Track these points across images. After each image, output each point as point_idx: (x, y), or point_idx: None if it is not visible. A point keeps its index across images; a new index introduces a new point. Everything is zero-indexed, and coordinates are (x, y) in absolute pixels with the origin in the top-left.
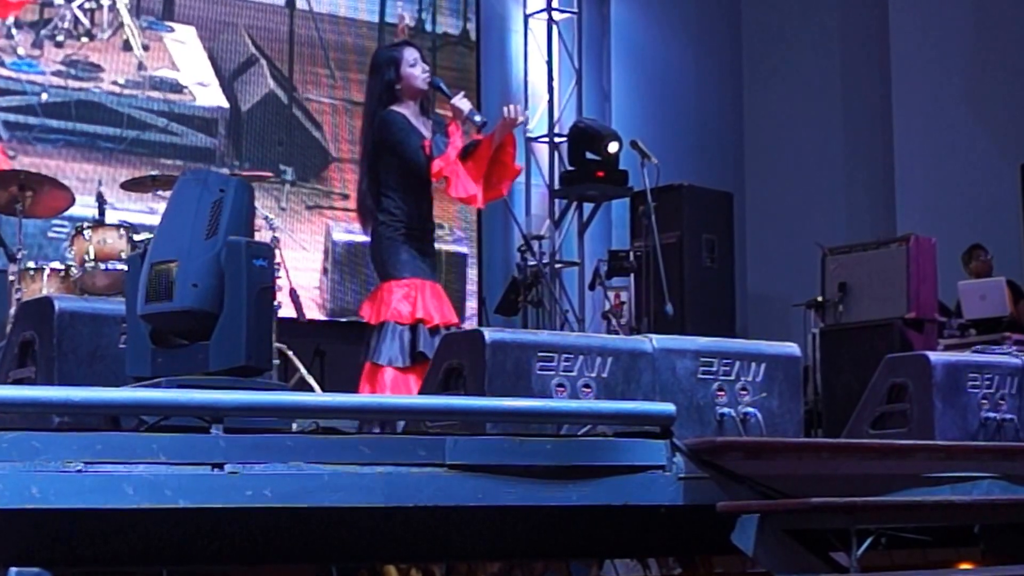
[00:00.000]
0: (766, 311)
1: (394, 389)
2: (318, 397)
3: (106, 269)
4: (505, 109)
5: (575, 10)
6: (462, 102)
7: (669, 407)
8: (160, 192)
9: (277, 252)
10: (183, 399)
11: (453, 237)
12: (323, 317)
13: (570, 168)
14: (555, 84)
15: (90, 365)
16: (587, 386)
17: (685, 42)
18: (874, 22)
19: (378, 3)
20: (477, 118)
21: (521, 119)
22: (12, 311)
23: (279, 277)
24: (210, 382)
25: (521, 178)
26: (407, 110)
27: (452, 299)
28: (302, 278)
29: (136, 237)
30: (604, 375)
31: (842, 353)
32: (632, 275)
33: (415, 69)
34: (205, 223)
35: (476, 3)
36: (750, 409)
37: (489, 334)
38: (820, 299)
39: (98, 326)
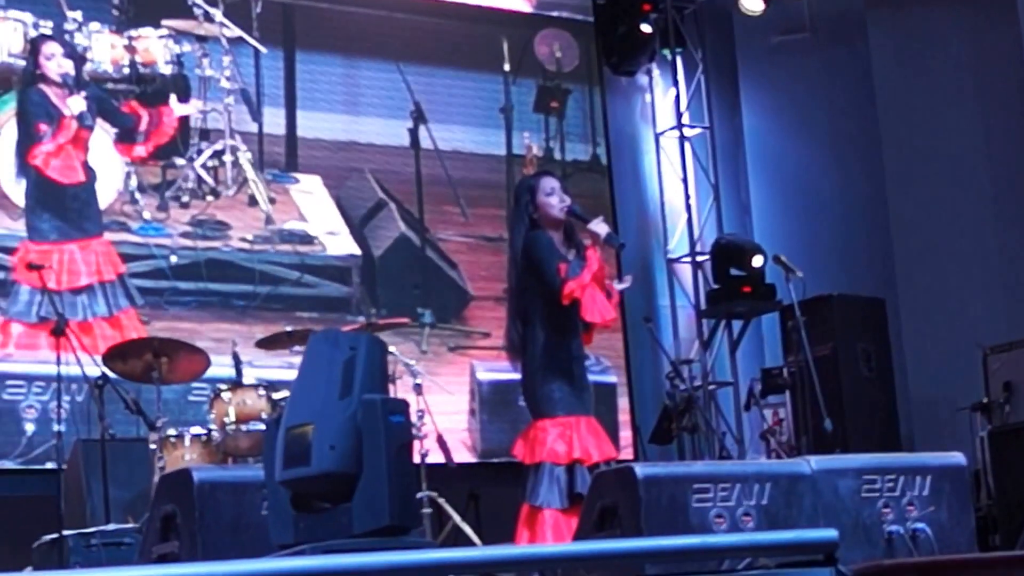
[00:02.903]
0: (930, 417)
1: (554, 532)
2: (467, 552)
3: (248, 431)
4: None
5: (707, 125)
6: (599, 226)
7: (831, 533)
8: (297, 348)
9: (420, 399)
10: (329, 565)
11: (600, 367)
12: (474, 459)
13: (715, 286)
14: (692, 202)
15: (234, 535)
16: (747, 515)
17: (822, 148)
18: (1018, 114)
19: (504, 136)
20: (615, 241)
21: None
22: (156, 480)
23: (423, 424)
24: (355, 545)
25: (666, 301)
26: (552, 237)
27: (606, 431)
28: (449, 421)
29: (275, 396)
30: (764, 502)
31: (1013, 455)
32: (788, 392)
33: (552, 198)
34: (338, 383)
35: (604, 127)
36: (919, 525)
37: (640, 470)
38: (985, 401)
39: (239, 495)
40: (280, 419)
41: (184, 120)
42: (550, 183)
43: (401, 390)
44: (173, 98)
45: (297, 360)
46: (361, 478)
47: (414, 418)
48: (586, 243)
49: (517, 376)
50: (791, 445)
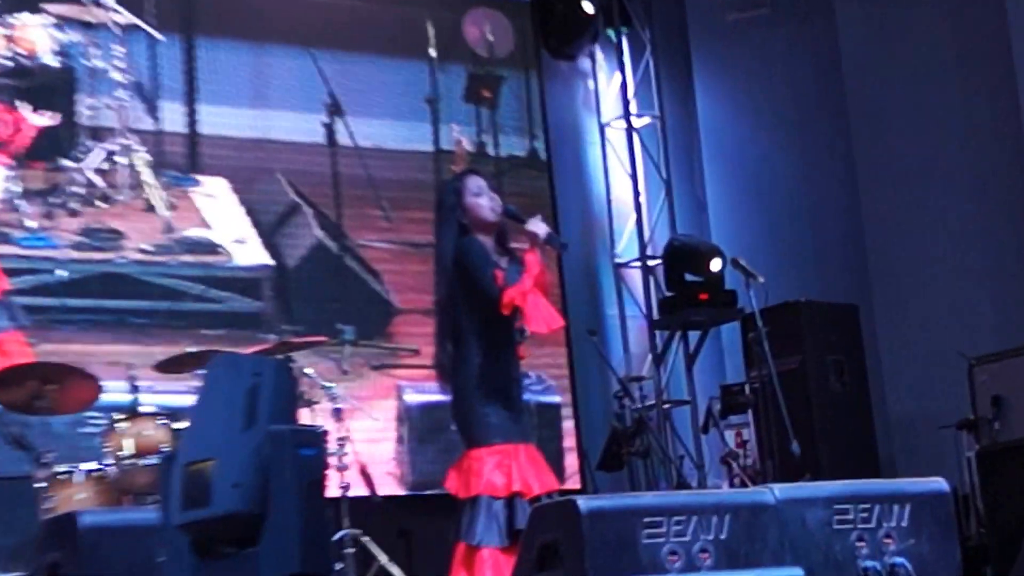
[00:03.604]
0: (911, 437)
1: (494, 573)
2: None
3: (147, 465)
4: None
5: (657, 114)
6: (538, 225)
7: (797, 572)
8: (201, 371)
9: (341, 425)
10: None
11: (542, 387)
12: (403, 492)
13: (669, 294)
14: (642, 199)
15: None
16: (704, 551)
17: (786, 138)
18: (1003, 97)
19: (430, 130)
20: (557, 241)
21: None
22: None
23: (345, 454)
24: None
25: (614, 310)
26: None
27: (549, 458)
28: (374, 450)
29: (177, 425)
30: (723, 536)
31: (1004, 477)
32: (751, 411)
33: (480, 199)
34: (241, 413)
35: (543, 118)
36: (898, 559)
37: (584, 503)
38: (972, 417)
39: (131, 540)
40: (176, 455)
41: (69, 117)
42: (476, 183)
43: (320, 416)
44: (26, 108)
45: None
46: (268, 519)
47: (334, 447)
48: (524, 247)
49: (447, 398)
50: (755, 470)
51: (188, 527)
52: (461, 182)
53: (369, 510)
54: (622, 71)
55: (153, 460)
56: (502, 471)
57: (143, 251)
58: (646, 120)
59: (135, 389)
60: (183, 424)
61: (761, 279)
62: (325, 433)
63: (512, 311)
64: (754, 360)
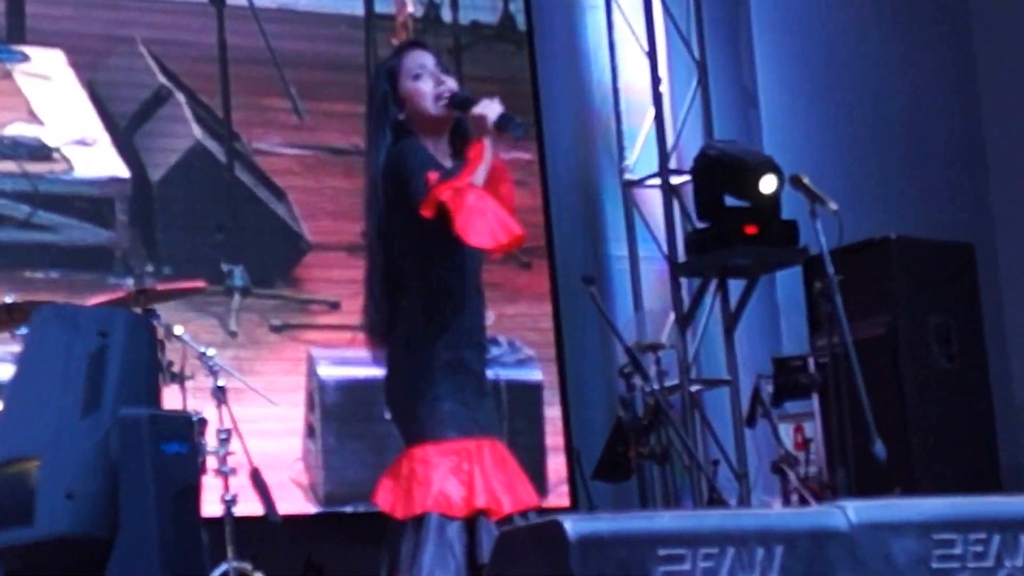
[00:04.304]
0: None
1: None
2: None
3: None
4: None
5: None
6: (488, 107)
7: None
8: (22, 331)
9: (224, 410)
10: None
11: (516, 357)
12: (314, 508)
13: (701, 225)
14: (664, 89)
15: None
16: None
17: (876, 9)
18: None
19: None
20: (512, 125)
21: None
22: None
23: (230, 452)
24: None
25: (622, 250)
26: (438, 150)
27: (525, 460)
28: (274, 447)
29: None
30: (773, 574)
31: None
32: (817, 396)
33: (421, 83)
34: (79, 391)
35: None
36: None
37: (574, 526)
38: None
39: None
40: None
41: None
42: (417, 60)
43: (195, 397)
44: None
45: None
46: (117, 544)
47: (214, 443)
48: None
49: (381, 373)
50: (821, 482)
51: (1, 553)
52: (397, 60)
53: (265, 534)
54: None
55: None
56: (459, 479)
57: None
58: None
59: None
60: None
61: (834, 206)
62: (201, 422)
63: (440, 219)
64: (822, 323)
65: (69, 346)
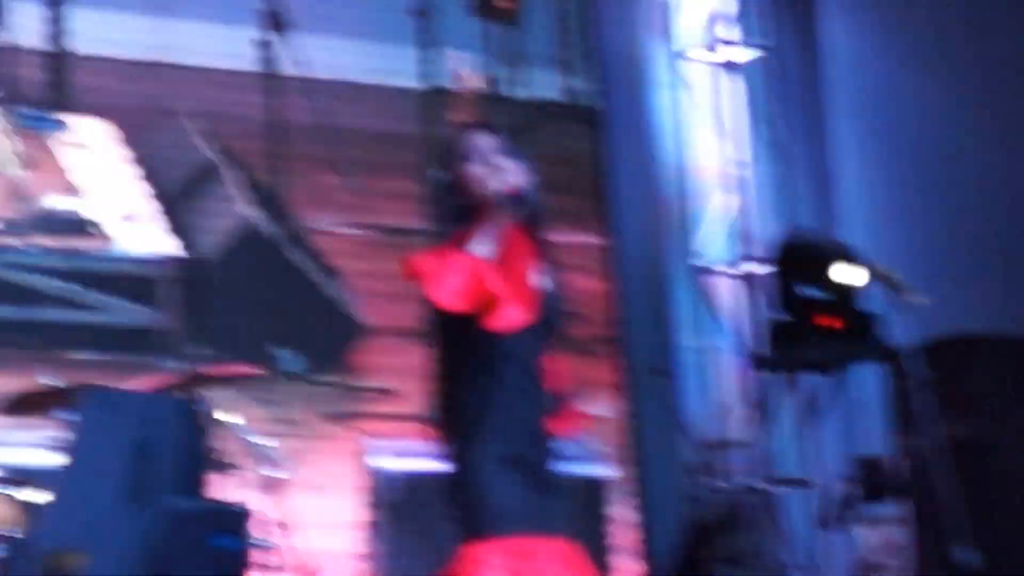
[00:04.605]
0: None
1: None
2: None
3: None
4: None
5: (763, 42)
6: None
7: None
8: (63, 415)
9: (275, 503)
10: None
11: (582, 452)
12: None
13: (777, 316)
14: (739, 172)
15: None
16: None
17: (962, 88)
18: None
19: (418, 57)
20: (519, 202)
21: None
22: None
23: (281, 548)
24: None
25: (693, 340)
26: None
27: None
28: (327, 542)
29: (23, 496)
30: None
31: None
32: (900, 499)
33: (478, 168)
34: (126, 480)
35: (589, 44)
36: None
37: None
38: None
39: None
40: (29, 540)
41: None
42: (476, 142)
43: (244, 488)
44: None
45: (63, 436)
46: None
47: (263, 536)
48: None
49: (440, 465)
50: None
51: None
52: (458, 142)
53: None
54: None
55: None
56: None
57: None
58: (748, 52)
59: None
60: (36, 496)
61: (919, 298)
62: (249, 514)
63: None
64: (909, 422)
65: (115, 433)
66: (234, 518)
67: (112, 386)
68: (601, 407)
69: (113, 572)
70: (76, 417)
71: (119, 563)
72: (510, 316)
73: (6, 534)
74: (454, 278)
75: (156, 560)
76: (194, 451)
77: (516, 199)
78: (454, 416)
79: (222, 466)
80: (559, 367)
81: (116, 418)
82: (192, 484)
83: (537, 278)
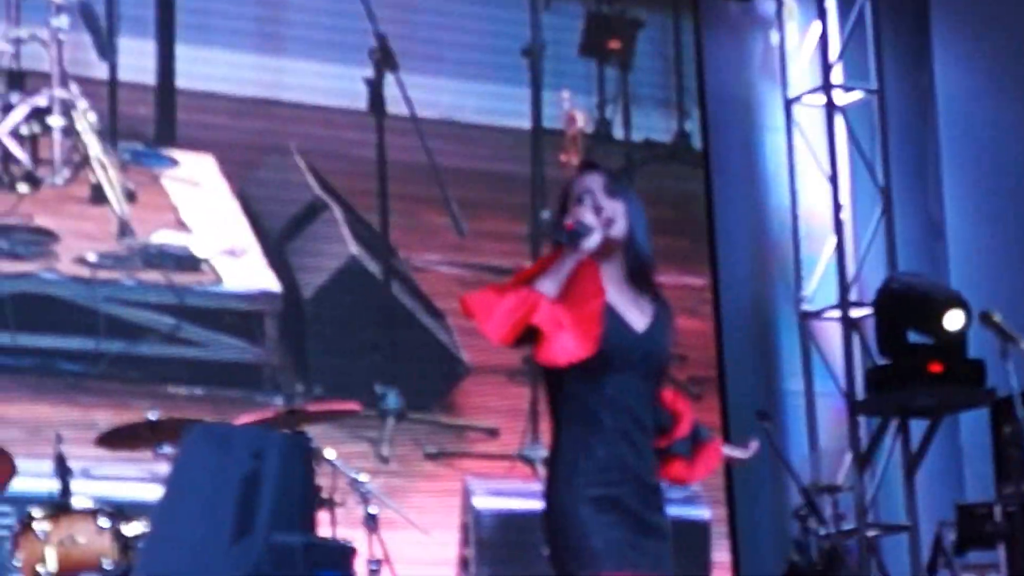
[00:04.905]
0: None
1: None
2: None
3: None
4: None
5: (873, 87)
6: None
7: None
8: (167, 449)
9: (375, 539)
10: None
11: (683, 495)
12: None
13: (882, 362)
14: (846, 216)
15: None
16: None
17: None
18: None
19: (528, 98)
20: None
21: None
22: None
23: None
24: None
25: (798, 384)
26: (606, 279)
27: None
28: None
29: (126, 529)
30: None
31: None
32: (1004, 545)
33: (581, 209)
34: (231, 515)
35: (700, 86)
36: None
37: None
38: None
39: None
40: (132, 572)
41: None
42: (585, 183)
43: (343, 524)
44: None
45: (167, 469)
46: None
47: (364, 573)
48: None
49: (540, 505)
50: None
51: None
52: (570, 183)
53: None
54: (823, 19)
55: None
56: None
57: (84, 263)
58: (857, 95)
59: (65, 472)
60: (139, 529)
61: None
62: (355, 551)
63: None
64: (1011, 469)
65: (221, 467)
66: (340, 554)
67: (220, 420)
68: None
69: None
70: (182, 450)
71: None
72: (567, 350)
73: (108, 568)
74: (501, 313)
75: None
76: (301, 487)
77: (573, 233)
78: (553, 457)
79: (323, 502)
80: (683, 406)
81: (224, 452)
82: (299, 520)
83: (637, 316)
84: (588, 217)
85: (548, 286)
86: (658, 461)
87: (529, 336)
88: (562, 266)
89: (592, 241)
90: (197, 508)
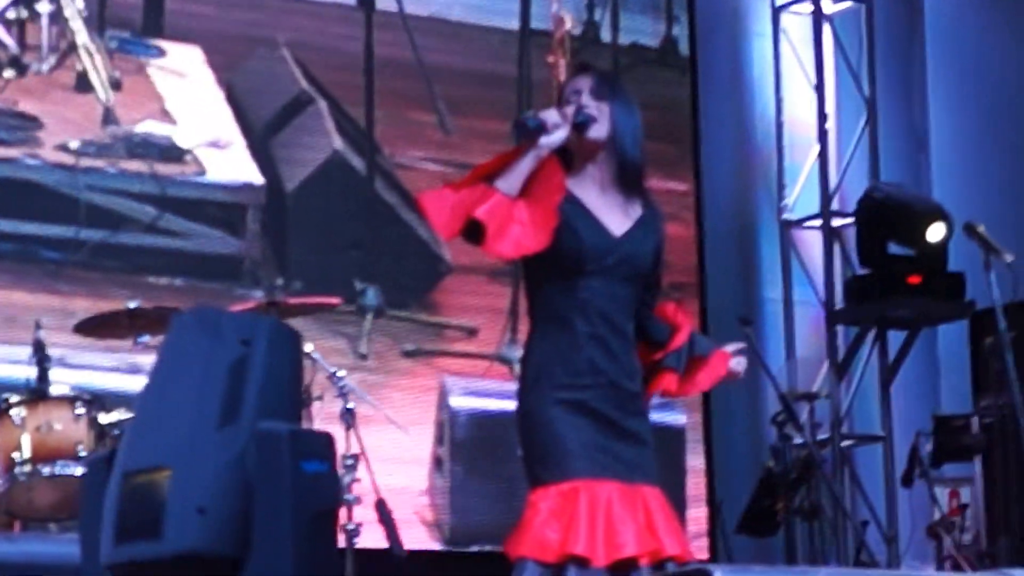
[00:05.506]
0: None
1: None
2: None
3: (54, 476)
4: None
5: None
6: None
7: None
8: (145, 337)
9: (351, 435)
10: None
11: (658, 400)
12: (438, 546)
13: (862, 271)
14: (830, 125)
15: None
16: None
17: None
18: None
19: None
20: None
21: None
22: None
23: (355, 480)
24: None
25: (777, 292)
26: (588, 180)
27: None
28: (400, 479)
29: (105, 418)
30: None
31: None
32: (979, 459)
33: (569, 109)
34: (217, 402)
35: None
36: None
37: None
38: None
39: None
40: (112, 458)
41: None
42: (575, 84)
43: (320, 418)
44: None
45: (145, 359)
46: (248, 565)
47: (340, 469)
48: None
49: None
50: (980, 550)
51: (125, 568)
52: (564, 84)
53: (387, 569)
54: None
55: (63, 469)
56: (559, 520)
57: (67, 150)
58: (845, 4)
59: (42, 359)
60: (115, 416)
61: (1009, 257)
62: (335, 443)
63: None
64: (990, 381)
65: (210, 353)
66: (325, 444)
67: (210, 304)
68: None
69: (200, 492)
70: (172, 333)
71: (208, 484)
72: (518, 242)
73: (87, 456)
74: (450, 206)
75: (245, 482)
76: (289, 376)
77: (528, 127)
78: (525, 359)
79: (307, 397)
80: (683, 319)
81: (212, 339)
82: (285, 409)
83: (618, 219)
84: (552, 115)
85: (504, 184)
86: (652, 373)
87: (478, 230)
88: (520, 163)
89: (553, 138)
90: (184, 394)
